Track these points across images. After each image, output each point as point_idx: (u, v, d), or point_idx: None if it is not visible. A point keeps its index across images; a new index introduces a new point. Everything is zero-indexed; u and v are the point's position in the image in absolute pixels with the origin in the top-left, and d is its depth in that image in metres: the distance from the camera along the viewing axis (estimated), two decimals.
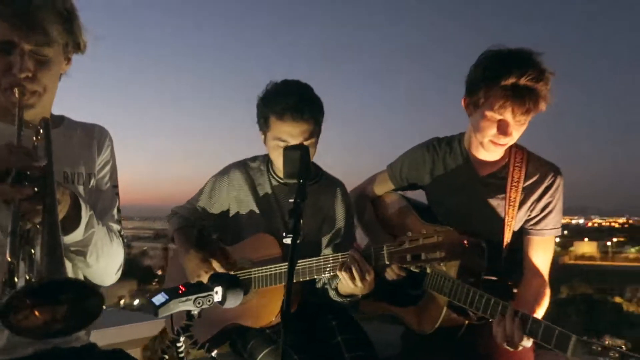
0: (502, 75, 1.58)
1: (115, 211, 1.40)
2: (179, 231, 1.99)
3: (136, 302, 36.12)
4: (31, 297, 0.83)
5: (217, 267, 1.81)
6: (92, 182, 1.38)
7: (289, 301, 1.24)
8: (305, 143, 1.71)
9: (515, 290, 1.75)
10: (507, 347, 1.49)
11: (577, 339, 1.32)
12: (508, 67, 1.58)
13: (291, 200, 1.34)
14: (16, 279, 0.85)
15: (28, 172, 0.95)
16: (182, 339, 1.44)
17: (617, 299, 39.03)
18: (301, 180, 1.38)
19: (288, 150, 1.43)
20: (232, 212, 1.97)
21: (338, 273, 1.57)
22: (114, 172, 1.44)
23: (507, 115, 1.61)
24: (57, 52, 1.23)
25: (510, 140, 1.67)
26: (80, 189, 1.34)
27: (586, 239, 73.99)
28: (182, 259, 1.89)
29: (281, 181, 1.91)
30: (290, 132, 1.70)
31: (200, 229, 2.03)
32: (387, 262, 1.52)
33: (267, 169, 1.94)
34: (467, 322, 1.73)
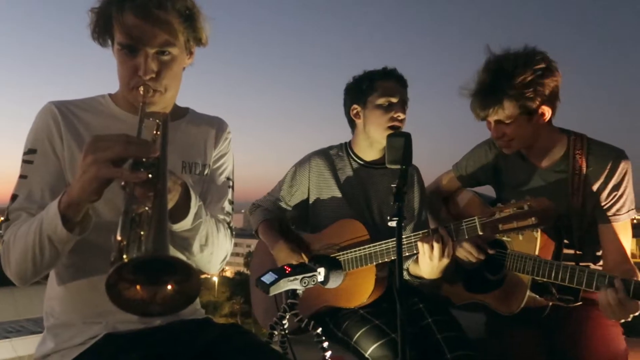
0: None
1: (226, 203, 1.45)
2: (265, 223, 2.06)
3: None
4: (136, 271, 0.85)
5: (304, 258, 1.88)
6: (207, 172, 1.43)
7: (401, 279, 1.31)
8: (406, 107, 1.90)
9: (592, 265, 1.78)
10: (618, 320, 1.53)
11: None
12: None
13: (393, 185, 1.41)
14: (125, 258, 0.87)
15: (144, 160, 1.01)
16: (287, 315, 1.54)
17: None
18: (404, 166, 1.45)
19: (391, 137, 1.49)
20: (312, 199, 2.03)
21: (419, 244, 1.63)
22: (229, 164, 1.50)
23: None
24: (179, 50, 1.27)
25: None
26: (195, 178, 1.39)
27: None
28: (272, 250, 1.97)
29: (362, 163, 1.99)
30: (397, 89, 1.89)
31: (280, 221, 2.11)
32: (481, 233, 1.57)
33: (346, 154, 2.02)
34: (551, 303, 1.76)
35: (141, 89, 1.24)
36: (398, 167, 1.46)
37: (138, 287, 0.86)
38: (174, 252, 1.31)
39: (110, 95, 1.38)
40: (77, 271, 1.27)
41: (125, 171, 0.98)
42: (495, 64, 1.72)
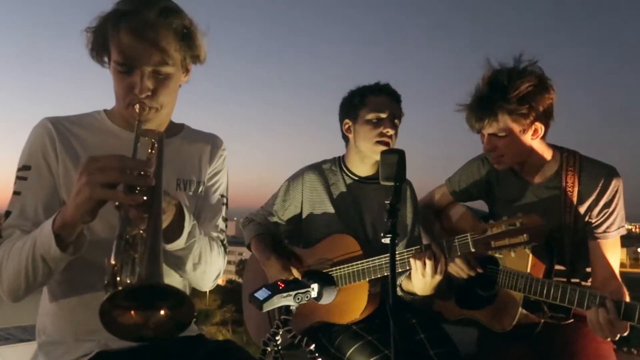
0: None
1: (219, 220, 1.44)
2: (257, 238, 2.06)
3: None
4: (129, 298, 0.86)
5: (296, 273, 1.89)
6: (201, 189, 1.42)
7: (395, 296, 1.32)
8: (398, 123, 1.91)
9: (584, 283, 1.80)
10: (606, 338, 1.52)
11: None
12: None
13: (387, 202, 1.42)
14: (118, 281, 0.88)
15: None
16: (280, 331, 1.54)
17: None
18: (397, 183, 1.46)
19: (385, 153, 1.50)
20: (305, 214, 2.03)
21: (412, 261, 1.63)
22: (223, 181, 1.49)
23: None
24: (175, 68, 1.27)
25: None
26: (189, 196, 1.39)
27: None
28: (263, 265, 1.97)
29: (355, 178, 2.00)
30: (388, 105, 1.89)
31: (273, 235, 2.11)
32: (473, 250, 1.58)
33: (339, 169, 2.03)
34: (542, 320, 1.77)
35: (137, 106, 1.23)
36: (392, 184, 1.47)
37: (132, 312, 0.86)
38: (167, 271, 1.30)
39: (105, 111, 1.37)
40: (69, 288, 1.26)
41: (120, 193, 0.97)
42: (490, 77, 1.75)
